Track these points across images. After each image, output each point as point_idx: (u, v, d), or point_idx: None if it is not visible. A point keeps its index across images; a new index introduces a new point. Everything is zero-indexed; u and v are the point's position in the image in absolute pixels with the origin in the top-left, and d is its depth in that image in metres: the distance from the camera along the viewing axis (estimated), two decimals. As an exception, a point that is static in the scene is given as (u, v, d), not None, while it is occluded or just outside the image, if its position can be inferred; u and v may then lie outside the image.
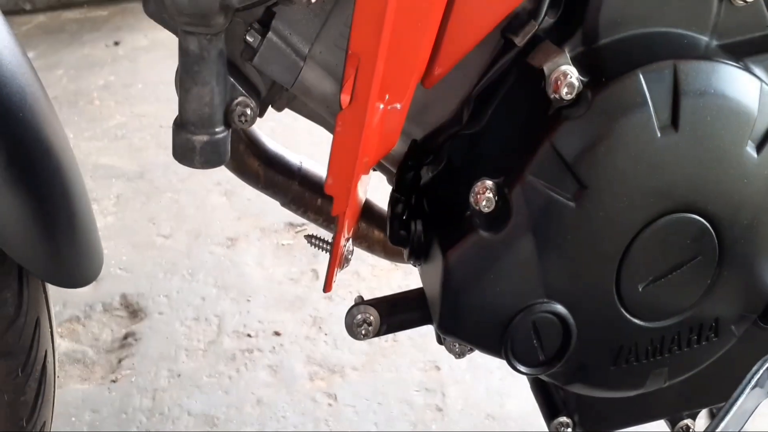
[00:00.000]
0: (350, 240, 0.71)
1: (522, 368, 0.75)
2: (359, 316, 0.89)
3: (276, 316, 2.00)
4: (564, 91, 0.67)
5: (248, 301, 2.05)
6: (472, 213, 0.72)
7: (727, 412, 0.70)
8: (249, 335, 1.98)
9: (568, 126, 0.68)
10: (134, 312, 2.08)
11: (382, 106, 0.65)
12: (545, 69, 0.68)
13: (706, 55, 0.72)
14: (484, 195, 0.71)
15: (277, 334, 1.97)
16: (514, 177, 0.70)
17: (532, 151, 0.69)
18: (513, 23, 0.75)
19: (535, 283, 0.72)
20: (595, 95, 0.67)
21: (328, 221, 1.03)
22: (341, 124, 0.55)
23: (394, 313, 0.89)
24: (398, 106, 0.67)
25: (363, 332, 0.89)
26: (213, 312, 2.05)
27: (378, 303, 0.90)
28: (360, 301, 0.91)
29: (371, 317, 0.89)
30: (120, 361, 1.91)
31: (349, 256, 0.72)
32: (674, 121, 0.67)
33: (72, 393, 1.80)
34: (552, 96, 0.68)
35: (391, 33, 0.56)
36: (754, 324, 0.84)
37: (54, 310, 2.08)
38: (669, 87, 0.67)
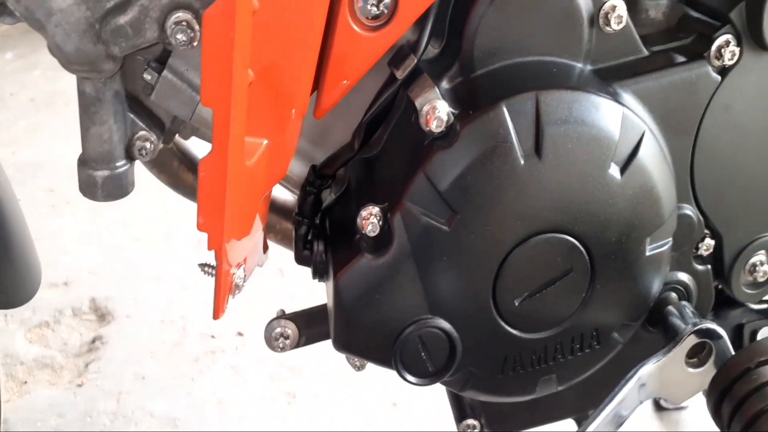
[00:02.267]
0: (243, 267, 0.76)
1: (412, 379, 0.79)
2: (277, 330, 0.94)
3: (240, 316, 2.05)
4: (434, 124, 0.72)
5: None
6: (360, 236, 0.77)
7: (598, 414, 0.75)
8: (213, 336, 2.03)
9: (438, 156, 0.72)
10: (102, 315, 2.13)
11: (264, 143, 0.70)
12: (417, 104, 0.73)
13: (578, 82, 0.76)
14: (369, 220, 0.75)
15: (240, 334, 2.03)
16: (394, 203, 0.75)
17: (410, 179, 0.74)
18: (396, 56, 0.79)
19: (419, 300, 0.76)
20: (463, 127, 0.72)
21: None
22: (203, 170, 0.59)
23: (312, 326, 0.94)
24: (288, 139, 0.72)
25: (281, 345, 0.93)
26: (179, 314, 2.09)
27: (297, 316, 0.94)
28: (279, 315, 0.96)
29: (289, 330, 0.94)
30: (87, 365, 1.96)
31: (241, 283, 0.77)
32: (537, 150, 0.71)
33: (40, 398, 1.85)
34: (425, 128, 0.72)
35: (247, 83, 0.60)
36: (644, 328, 0.89)
37: (23, 315, 2.13)
38: (532, 117, 0.71)
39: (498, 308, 0.77)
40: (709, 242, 0.87)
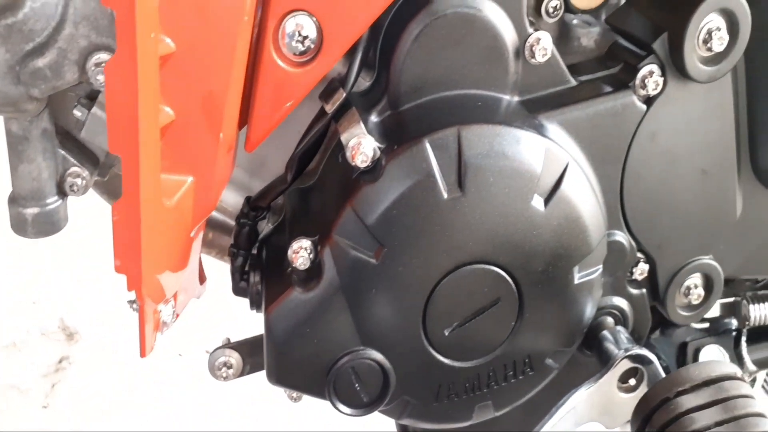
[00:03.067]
0: (171, 303, 0.75)
1: (347, 410, 0.79)
2: (221, 359, 0.93)
3: (208, 334, 2.04)
4: (359, 159, 0.72)
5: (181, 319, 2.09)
6: (291, 270, 0.77)
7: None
8: (180, 354, 2.02)
9: (365, 191, 0.72)
10: (71, 335, 2.11)
11: (187, 181, 0.70)
12: (343, 138, 0.73)
13: (504, 115, 0.76)
14: (300, 253, 0.75)
15: (207, 352, 2.01)
16: (324, 237, 0.74)
17: (338, 213, 0.73)
18: (326, 89, 0.79)
19: (350, 333, 0.76)
20: (387, 162, 0.72)
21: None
22: (116, 215, 0.58)
23: (256, 354, 0.94)
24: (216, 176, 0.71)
25: (224, 375, 0.93)
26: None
27: (240, 345, 0.94)
28: (224, 344, 0.95)
29: (233, 360, 0.93)
30: (53, 385, 1.95)
31: (170, 320, 0.77)
32: (460, 184, 0.71)
33: (4, 423, 1.84)
34: (351, 163, 0.72)
35: (157, 127, 0.60)
36: (581, 353, 0.90)
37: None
38: (454, 152, 0.71)
39: (429, 338, 0.77)
40: (643, 267, 0.88)
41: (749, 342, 1.06)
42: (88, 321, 2.13)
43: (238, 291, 0.86)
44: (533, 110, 0.78)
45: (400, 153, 0.72)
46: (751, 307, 1.04)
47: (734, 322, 1.06)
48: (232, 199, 0.89)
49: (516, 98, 0.78)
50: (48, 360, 2.03)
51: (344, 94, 0.76)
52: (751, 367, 1.06)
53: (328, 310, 0.75)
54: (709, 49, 0.76)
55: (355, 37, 0.73)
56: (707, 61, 0.77)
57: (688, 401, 0.67)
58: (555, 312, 0.80)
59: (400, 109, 0.76)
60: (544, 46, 0.76)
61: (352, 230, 0.73)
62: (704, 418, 0.67)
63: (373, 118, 0.76)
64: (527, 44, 0.76)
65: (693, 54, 0.76)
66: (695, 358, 1.05)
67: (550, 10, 0.86)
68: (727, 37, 0.76)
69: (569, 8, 0.87)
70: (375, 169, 0.73)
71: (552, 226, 0.75)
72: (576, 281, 0.79)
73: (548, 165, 0.74)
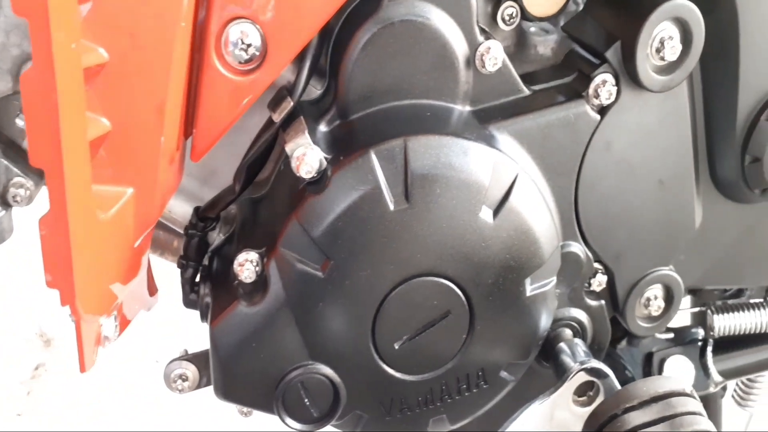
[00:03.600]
0: (114, 316, 0.73)
1: (297, 426, 0.77)
2: (177, 371, 0.91)
3: (185, 341, 2.01)
4: (303, 170, 0.70)
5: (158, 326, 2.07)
6: (237, 282, 0.74)
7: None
8: (157, 361, 2.00)
9: (310, 202, 0.70)
10: (47, 341, 2.09)
11: (127, 192, 0.68)
12: (287, 149, 0.71)
13: (454, 125, 0.74)
14: (245, 266, 0.73)
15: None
16: (270, 249, 0.72)
17: (284, 224, 0.71)
18: (275, 98, 0.77)
19: (298, 347, 0.74)
20: (333, 173, 0.70)
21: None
22: (44, 229, 0.56)
23: (212, 365, 0.91)
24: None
25: (179, 387, 0.91)
26: (122, 339, 2.06)
27: (197, 357, 0.92)
28: (180, 356, 0.93)
29: (188, 373, 0.91)
30: (29, 393, 1.92)
31: (111, 334, 0.75)
32: (406, 195, 0.69)
33: (-23, 428, 1.81)
34: (296, 174, 0.70)
35: (85, 139, 0.58)
36: (540, 365, 0.88)
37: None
38: (400, 164, 0.69)
39: (379, 352, 0.75)
40: (601, 278, 0.86)
41: (717, 352, 1.05)
42: (64, 328, 2.10)
43: (188, 303, 0.84)
44: (484, 120, 0.76)
45: (346, 164, 0.70)
46: (716, 317, 1.02)
47: (701, 332, 1.04)
48: (183, 209, 0.87)
49: (468, 108, 0.77)
50: (24, 367, 2.00)
51: (291, 103, 0.74)
52: (717, 377, 1.05)
53: (275, 324, 0.73)
54: (662, 59, 0.74)
55: (300, 46, 0.71)
56: (661, 71, 0.75)
57: (636, 418, 0.65)
58: (507, 324, 0.78)
59: (350, 118, 0.74)
60: (494, 55, 0.74)
61: (298, 243, 0.71)
62: (651, 435, 0.65)
63: (322, 127, 0.75)
64: (478, 54, 0.74)
65: (646, 63, 0.74)
66: (660, 369, 1.04)
67: (506, 17, 0.84)
68: (680, 47, 0.74)
69: (526, 16, 0.85)
70: (321, 181, 0.71)
71: (501, 238, 0.73)
72: (528, 293, 0.77)
73: (497, 176, 0.72)
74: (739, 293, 1.18)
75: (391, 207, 0.69)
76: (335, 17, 0.75)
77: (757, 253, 0.94)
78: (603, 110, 0.77)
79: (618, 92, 0.77)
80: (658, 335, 1.02)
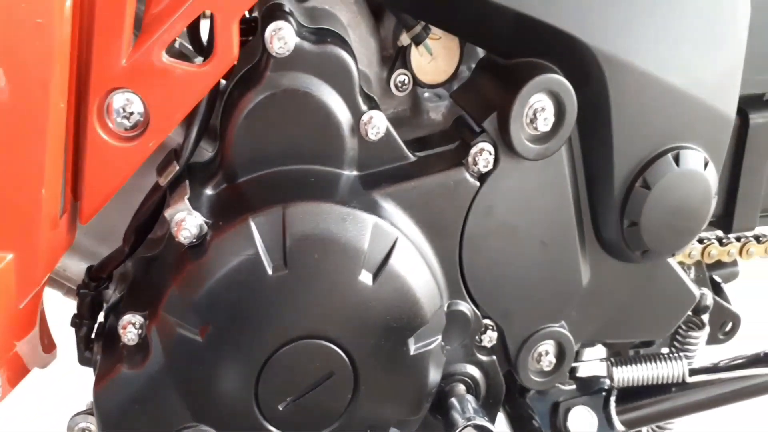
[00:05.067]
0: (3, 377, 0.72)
1: (182, 487, 0.76)
2: (81, 425, 0.89)
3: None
4: (182, 236, 0.70)
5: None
6: (122, 345, 0.74)
7: None
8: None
9: (190, 267, 0.70)
10: None
11: (9, 257, 0.67)
12: (167, 215, 0.71)
13: (339, 191, 0.75)
14: (128, 329, 0.72)
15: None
16: (152, 313, 0.72)
17: (166, 288, 0.71)
18: (163, 161, 0.77)
19: (181, 409, 0.73)
20: (212, 239, 0.70)
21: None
22: None
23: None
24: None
25: None
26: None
27: (99, 411, 0.90)
28: (84, 410, 0.91)
29: (92, 427, 0.89)
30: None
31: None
32: (285, 261, 0.70)
33: None
34: (176, 239, 0.70)
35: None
36: (435, 418, 0.88)
37: None
38: (278, 230, 0.70)
39: (263, 413, 0.75)
40: (492, 334, 0.87)
41: (623, 401, 1.06)
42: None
43: (83, 361, 0.83)
44: (369, 186, 0.77)
45: (225, 231, 0.70)
46: (615, 369, 1.03)
47: (607, 382, 1.05)
48: (79, 268, 0.86)
49: (355, 173, 0.77)
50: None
51: (176, 168, 0.74)
52: (620, 427, 1.06)
53: (157, 387, 0.72)
54: (536, 129, 0.76)
55: (183, 114, 0.71)
56: (536, 140, 0.77)
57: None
58: (393, 383, 0.78)
59: (236, 182, 0.75)
60: (376, 125, 0.75)
61: (178, 307, 0.70)
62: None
63: (208, 190, 0.75)
64: (361, 123, 0.75)
65: (520, 133, 0.76)
66: (566, 419, 1.04)
67: (399, 84, 0.86)
68: (552, 118, 0.76)
69: (418, 83, 0.87)
70: (201, 246, 0.71)
71: (382, 300, 0.73)
72: (412, 352, 0.77)
73: (375, 241, 0.72)
74: (649, 343, 1.20)
75: (270, 272, 0.70)
76: (230, 77, 0.76)
77: (648, 309, 0.96)
78: (482, 177, 0.79)
79: (496, 160, 0.78)
80: (564, 386, 1.03)
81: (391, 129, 0.77)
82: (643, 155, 0.80)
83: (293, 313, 0.71)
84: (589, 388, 1.05)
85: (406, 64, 0.84)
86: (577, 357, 1.33)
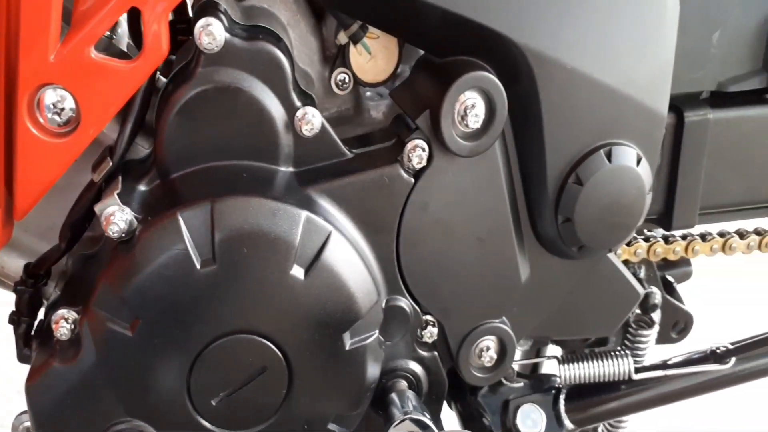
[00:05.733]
0: None
1: (112, 481, 0.75)
2: (26, 423, 0.88)
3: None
4: (111, 230, 0.69)
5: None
6: (55, 340, 0.73)
7: None
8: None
9: (119, 261, 0.70)
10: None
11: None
12: (96, 209, 0.70)
13: (272, 187, 0.74)
14: (60, 324, 0.72)
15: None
16: (85, 307, 0.72)
17: (96, 283, 0.71)
18: (98, 158, 0.77)
19: (114, 404, 0.73)
20: (141, 234, 0.70)
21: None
22: None
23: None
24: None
25: None
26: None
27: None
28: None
29: None
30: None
31: None
32: (214, 256, 0.69)
33: None
34: (106, 234, 0.70)
35: None
36: (376, 413, 0.87)
37: None
38: (207, 225, 0.69)
39: (197, 408, 0.74)
40: (432, 330, 0.86)
41: (573, 399, 1.06)
42: None
43: (22, 358, 0.82)
44: (305, 182, 0.76)
45: (153, 226, 0.69)
46: (561, 366, 1.03)
47: (557, 380, 1.05)
48: (18, 265, 0.85)
49: (291, 169, 0.77)
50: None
51: (110, 164, 0.73)
52: (569, 425, 1.05)
53: (88, 382, 0.72)
54: (467, 126, 0.76)
55: (114, 110, 0.71)
56: (468, 137, 0.77)
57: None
58: (329, 378, 0.77)
59: (169, 178, 0.74)
60: (310, 120, 0.75)
61: (108, 302, 0.70)
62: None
63: (142, 187, 0.74)
64: (295, 119, 0.75)
65: (452, 130, 0.76)
66: (514, 416, 1.04)
67: (339, 83, 0.86)
68: (483, 115, 0.76)
69: (359, 82, 0.87)
70: (132, 241, 0.70)
71: (314, 295, 0.73)
72: (348, 347, 0.77)
73: (307, 236, 0.72)
74: (603, 341, 1.21)
75: (199, 267, 0.69)
76: (167, 75, 0.75)
77: (591, 306, 0.96)
78: (417, 173, 0.79)
79: (430, 157, 0.78)
80: (513, 383, 1.03)
81: (327, 125, 0.77)
82: (575, 152, 0.80)
83: (224, 308, 0.71)
84: (539, 387, 1.06)
85: (345, 63, 0.84)
86: (539, 354, 1.34)
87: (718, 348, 1.09)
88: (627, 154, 0.81)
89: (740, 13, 0.88)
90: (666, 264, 1.22)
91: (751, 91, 0.93)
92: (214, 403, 0.74)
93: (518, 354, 1.07)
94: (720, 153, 0.93)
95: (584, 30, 0.77)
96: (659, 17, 0.79)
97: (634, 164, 0.81)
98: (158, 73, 0.81)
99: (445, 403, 1.00)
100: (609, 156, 0.80)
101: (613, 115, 0.79)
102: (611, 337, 1.19)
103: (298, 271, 0.72)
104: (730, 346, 1.09)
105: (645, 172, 0.82)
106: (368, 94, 0.90)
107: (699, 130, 0.91)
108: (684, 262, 1.25)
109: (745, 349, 1.07)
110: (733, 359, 1.07)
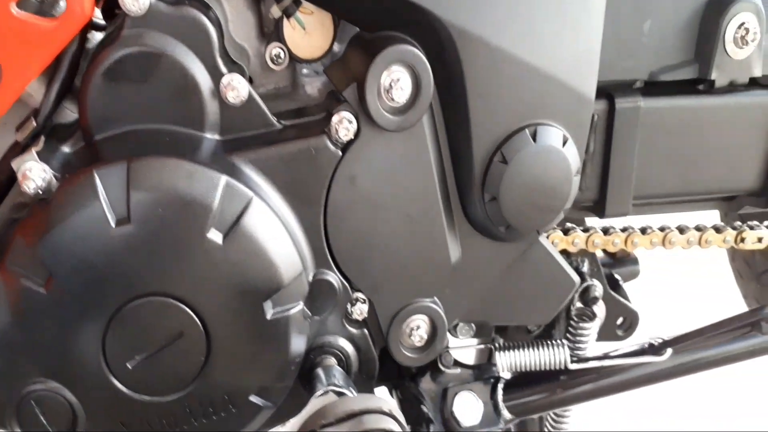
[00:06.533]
0: None
1: (31, 445, 0.74)
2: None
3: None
4: (27, 186, 0.69)
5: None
6: (-29, 299, 0.72)
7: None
8: None
9: (35, 219, 0.69)
10: None
11: None
12: (13, 165, 0.70)
13: (194, 152, 0.74)
14: (-23, 283, 0.71)
15: None
16: (1, 266, 0.70)
17: (11, 240, 0.70)
18: (24, 120, 0.76)
19: (29, 364, 0.71)
20: (58, 190, 0.69)
21: None
22: None
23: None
24: None
25: None
26: None
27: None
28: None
29: None
30: None
31: None
32: (128, 215, 0.69)
33: None
34: (22, 189, 0.69)
35: None
36: (304, 389, 0.86)
37: None
38: (123, 184, 0.69)
39: (113, 371, 0.73)
40: (362, 307, 0.85)
41: (512, 389, 1.04)
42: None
43: None
44: (229, 150, 0.76)
45: (69, 182, 0.69)
46: (497, 354, 1.02)
47: (496, 370, 1.04)
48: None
49: (216, 137, 0.77)
50: None
51: (34, 124, 0.73)
52: (507, 415, 1.04)
53: (3, 342, 0.70)
54: (393, 100, 0.76)
55: (37, 71, 0.70)
56: (394, 111, 0.77)
57: (330, 434, 0.64)
58: (250, 348, 0.76)
59: (93, 140, 0.74)
60: (236, 87, 0.75)
61: (23, 258, 0.69)
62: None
63: (66, 148, 0.74)
64: (221, 85, 0.75)
65: (377, 103, 0.76)
66: (452, 404, 1.03)
67: (274, 58, 0.86)
68: (408, 89, 0.76)
69: (294, 58, 0.87)
70: (47, 197, 0.69)
71: (233, 261, 0.72)
72: (269, 317, 0.76)
73: (227, 200, 0.72)
74: (548, 334, 1.20)
75: (113, 225, 0.68)
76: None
77: (525, 292, 0.95)
78: (345, 146, 0.78)
79: (358, 130, 0.78)
80: (454, 371, 1.02)
81: (255, 95, 0.77)
82: (501, 130, 0.80)
83: (138, 269, 0.70)
84: (479, 375, 1.04)
85: (279, 38, 0.84)
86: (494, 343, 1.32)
87: (654, 340, 1.08)
88: (552, 135, 0.80)
89: (671, 3, 0.88)
90: (614, 262, 1.22)
91: (684, 81, 0.93)
92: (130, 367, 0.73)
93: (460, 342, 1.07)
94: (652, 142, 0.93)
95: (509, 10, 0.77)
96: (585, 1, 0.79)
97: (559, 145, 0.81)
98: (90, 38, 0.80)
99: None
100: (534, 135, 0.80)
101: (538, 95, 0.79)
102: (554, 330, 1.18)
103: (215, 235, 0.71)
104: (667, 339, 1.08)
105: (571, 154, 0.82)
106: (305, 71, 0.89)
107: (630, 118, 0.91)
108: (631, 261, 1.25)
109: (680, 340, 1.07)
110: (670, 351, 1.06)
